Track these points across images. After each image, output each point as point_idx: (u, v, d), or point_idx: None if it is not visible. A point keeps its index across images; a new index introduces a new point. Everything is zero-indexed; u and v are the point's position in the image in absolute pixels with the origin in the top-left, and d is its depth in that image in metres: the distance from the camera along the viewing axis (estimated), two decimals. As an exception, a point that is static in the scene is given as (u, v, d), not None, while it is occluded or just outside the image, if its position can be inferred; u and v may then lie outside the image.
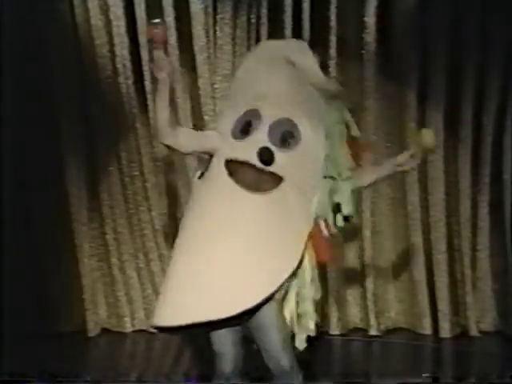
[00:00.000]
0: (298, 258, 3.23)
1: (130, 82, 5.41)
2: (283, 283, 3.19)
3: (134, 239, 5.66)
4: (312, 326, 3.30)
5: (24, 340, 5.05)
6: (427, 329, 5.51)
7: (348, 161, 3.42)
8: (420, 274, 5.50)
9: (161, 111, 3.24)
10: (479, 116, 5.41)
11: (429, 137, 3.34)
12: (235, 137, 3.31)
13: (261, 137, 3.26)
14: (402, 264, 5.63)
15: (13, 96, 5.22)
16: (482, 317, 5.57)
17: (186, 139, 3.34)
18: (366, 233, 5.49)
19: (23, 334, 5.09)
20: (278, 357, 3.19)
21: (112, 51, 5.39)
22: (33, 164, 5.44)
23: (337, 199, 3.37)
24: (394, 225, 5.65)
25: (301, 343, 3.30)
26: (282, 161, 3.24)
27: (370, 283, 5.53)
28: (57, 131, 5.47)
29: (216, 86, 5.47)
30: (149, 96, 5.42)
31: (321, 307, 3.41)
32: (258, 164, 3.22)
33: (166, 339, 5.48)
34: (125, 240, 5.65)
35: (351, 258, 5.60)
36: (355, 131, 3.50)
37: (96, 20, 5.34)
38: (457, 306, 5.55)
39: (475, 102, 5.38)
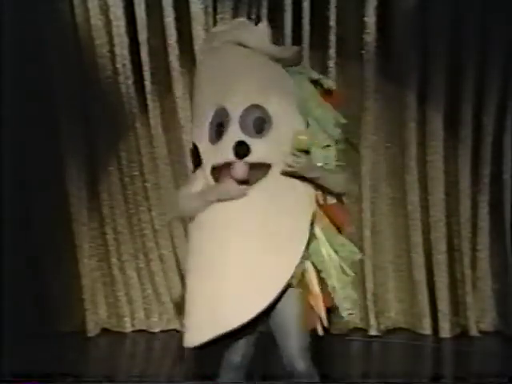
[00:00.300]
0: (306, 237, 3.18)
1: (130, 82, 5.42)
2: (297, 267, 3.16)
3: (133, 239, 5.66)
4: (353, 295, 3.32)
5: (24, 340, 5.05)
6: (427, 329, 5.50)
7: (333, 115, 3.34)
8: (420, 273, 5.50)
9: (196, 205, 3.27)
10: (479, 116, 5.41)
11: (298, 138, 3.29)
12: (213, 142, 3.26)
13: (233, 133, 3.20)
14: (402, 264, 5.63)
15: (13, 96, 5.22)
16: (481, 317, 5.57)
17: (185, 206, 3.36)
18: (366, 233, 5.49)
19: (23, 334, 5.10)
20: (297, 355, 3.18)
21: (112, 51, 5.39)
22: (33, 164, 5.44)
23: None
24: (393, 225, 5.64)
25: (345, 312, 3.29)
26: (261, 148, 3.18)
27: (369, 283, 5.53)
28: (57, 131, 5.47)
29: (216, 86, 5.46)
30: (149, 96, 5.43)
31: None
32: (235, 160, 3.15)
33: (166, 339, 5.49)
34: (125, 240, 5.65)
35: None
36: (329, 83, 3.40)
37: (96, 20, 5.34)
38: (457, 306, 5.55)
39: (475, 102, 5.38)
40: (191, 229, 3.34)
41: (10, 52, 5.17)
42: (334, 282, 3.26)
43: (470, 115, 5.39)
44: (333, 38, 5.31)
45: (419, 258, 5.50)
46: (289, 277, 3.14)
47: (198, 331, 3.12)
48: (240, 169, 3.13)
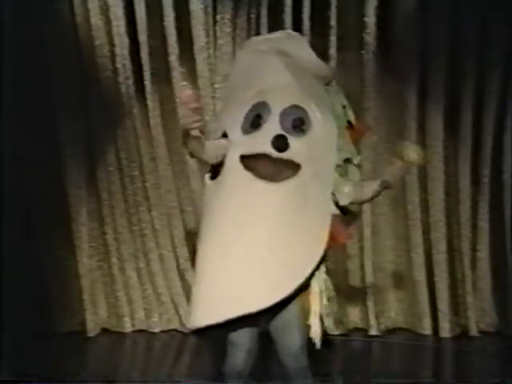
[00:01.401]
0: (323, 245, 3.22)
1: (130, 81, 5.41)
2: (311, 272, 3.19)
3: (133, 239, 5.65)
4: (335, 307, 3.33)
5: (24, 340, 5.05)
6: (427, 329, 5.50)
7: (352, 145, 3.42)
8: (420, 273, 5.50)
9: (196, 146, 3.25)
10: (479, 116, 5.41)
11: (412, 151, 3.31)
12: (246, 132, 3.29)
13: (273, 126, 3.24)
14: (402, 264, 5.63)
15: (13, 96, 5.22)
16: (481, 317, 5.57)
17: (212, 152, 3.32)
18: (366, 233, 5.49)
19: (23, 334, 5.09)
20: (296, 355, 3.22)
21: (112, 51, 5.39)
22: (33, 164, 5.44)
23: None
24: (393, 225, 5.65)
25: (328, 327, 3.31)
26: (297, 147, 3.22)
27: (369, 283, 5.52)
28: (57, 131, 5.47)
29: (216, 85, 5.48)
30: (149, 96, 5.42)
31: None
32: (274, 153, 3.19)
33: (166, 339, 5.49)
34: (125, 240, 5.64)
35: (351, 257, 5.59)
36: (351, 116, 3.49)
37: (96, 20, 5.34)
38: (457, 305, 5.55)
39: (475, 102, 5.39)
40: (209, 212, 3.31)
41: (10, 52, 5.17)
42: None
43: (469, 115, 5.39)
44: (333, 38, 5.31)
45: (419, 258, 5.50)
46: (308, 273, 3.16)
47: (210, 311, 3.11)
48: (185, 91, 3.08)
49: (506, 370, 4.51)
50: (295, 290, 3.14)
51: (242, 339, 3.21)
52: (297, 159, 3.22)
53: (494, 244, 5.55)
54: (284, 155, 3.20)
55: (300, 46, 3.50)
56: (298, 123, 3.27)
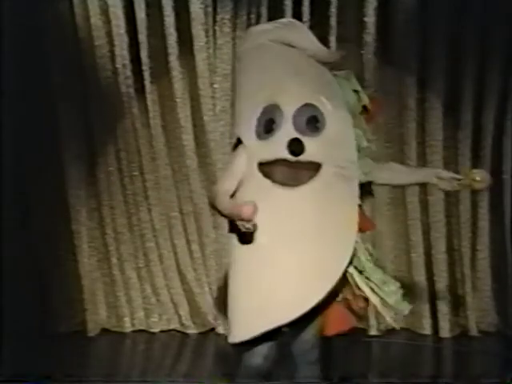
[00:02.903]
0: (353, 242, 3.21)
1: (130, 81, 5.41)
2: (343, 272, 3.19)
3: (133, 239, 5.65)
4: (398, 291, 3.34)
5: (24, 340, 5.05)
6: (427, 329, 5.51)
7: (364, 129, 3.38)
8: (420, 273, 5.50)
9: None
10: (479, 116, 5.41)
11: (479, 177, 3.33)
12: (260, 137, 3.24)
13: (287, 130, 3.19)
14: (402, 264, 5.63)
15: (13, 96, 5.22)
16: (481, 317, 5.57)
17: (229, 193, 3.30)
18: (366, 233, 5.47)
19: (23, 334, 5.09)
20: (309, 350, 3.27)
21: (112, 51, 5.39)
22: (33, 164, 5.44)
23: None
24: (393, 225, 5.65)
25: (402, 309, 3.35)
26: (314, 147, 3.17)
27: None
28: (56, 131, 5.47)
29: (216, 86, 5.47)
30: (149, 96, 5.42)
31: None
32: (290, 157, 3.15)
33: (166, 339, 5.49)
34: (124, 240, 5.64)
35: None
36: (365, 99, 3.42)
37: (96, 20, 5.34)
38: (457, 306, 5.55)
39: (475, 103, 5.39)
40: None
41: (10, 51, 5.17)
42: (375, 280, 3.31)
43: (469, 115, 5.39)
44: (333, 38, 5.31)
45: (419, 258, 5.50)
46: (341, 273, 3.16)
47: (246, 325, 3.12)
48: (249, 209, 3.04)
49: (506, 370, 4.50)
50: (329, 291, 3.13)
51: (264, 349, 3.20)
52: (316, 159, 3.18)
53: (493, 244, 5.55)
54: (302, 158, 3.16)
55: (302, 35, 3.41)
56: (312, 122, 3.22)
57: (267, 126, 3.23)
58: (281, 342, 3.26)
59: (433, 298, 5.52)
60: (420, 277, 5.50)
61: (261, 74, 3.35)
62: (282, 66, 3.33)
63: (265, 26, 3.72)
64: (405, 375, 4.55)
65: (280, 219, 3.13)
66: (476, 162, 5.47)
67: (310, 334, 3.27)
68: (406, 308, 3.36)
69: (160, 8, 5.32)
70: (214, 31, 5.44)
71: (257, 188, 3.20)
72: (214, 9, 5.40)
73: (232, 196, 3.26)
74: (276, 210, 3.13)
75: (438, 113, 5.42)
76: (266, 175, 3.19)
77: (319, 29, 5.28)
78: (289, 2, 5.29)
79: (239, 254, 3.23)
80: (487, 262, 5.57)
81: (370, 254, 3.33)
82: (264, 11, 5.33)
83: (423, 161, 5.45)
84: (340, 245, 3.19)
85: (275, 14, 5.31)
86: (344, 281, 3.24)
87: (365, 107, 3.41)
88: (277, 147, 3.18)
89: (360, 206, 3.29)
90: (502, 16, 5.26)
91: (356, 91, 3.40)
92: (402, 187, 5.44)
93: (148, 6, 5.34)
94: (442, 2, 5.28)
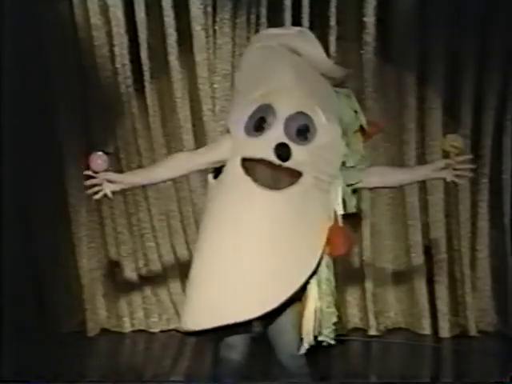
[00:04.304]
0: (319, 254, 3.22)
1: (130, 81, 5.41)
2: (305, 281, 3.19)
3: (133, 239, 5.65)
4: (335, 319, 3.30)
5: (24, 340, 5.04)
6: (427, 329, 5.50)
7: (361, 149, 3.40)
8: (419, 273, 5.50)
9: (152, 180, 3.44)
10: (479, 116, 5.41)
11: (451, 141, 3.34)
12: (249, 134, 3.26)
13: (277, 133, 3.20)
14: (402, 264, 5.63)
15: (13, 96, 5.22)
16: (481, 317, 5.57)
17: (196, 163, 3.39)
18: (366, 233, 5.49)
19: (23, 334, 5.09)
20: (294, 354, 3.24)
21: (111, 51, 5.39)
22: (33, 164, 5.44)
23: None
24: (393, 225, 5.65)
25: (326, 338, 3.29)
26: (300, 155, 3.19)
27: (369, 283, 5.53)
28: (56, 131, 5.47)
29: (215, 85, 5.47)
30: (148, 96, 5.42)
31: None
32: (276, 160, 3.17)
33: (165, 339, 5.49)
34: (124, 240, 5.64)
35: (351, 257, 5.59)
36: (363, 120, 3.44)
37: (96, 20, 5.33)
38: (456, 305, 5.55)
39: (475, 102, 5.39)
40: (208, 216, 3.31)
41: (10, 52, 5.17)
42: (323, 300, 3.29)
43: (469, 115, 5.39)
44: (333, 38, 5.31)
45: (419, 258, 5.50)
46: (301, 283, 3.16)
47: (205, 316, 3.12)
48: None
49: (506, 370, 4.50)
50: (289, 298, 3.13)
51: (237, 342, 3.23)
52: (298, 168, 3.20)
53: (493, 244, 5.55)
54: (285, 164, 3.18)
55: (311, 45, 3.43)
56: (303, 131, 3.23)
57: (258, 124, 3.24)
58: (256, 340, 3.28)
59: (432, 298, 5.52)
60: (419, 277, 5.50)
61: (261, 73, 3.36)
62: (284, 69, 3.33)
63: (275, 30, 3.70)
64: (404, 375, 4.56)
65: (252, 218, 3.15)
66: (475, 162, 5.46)
67: (293, 336, 3.25)
68: (329, 338, 3.31)
69: (159, 8, 5.32)
70: (214, 31, 5.43)
71: (236, 182, 3.23)
72: (214, 9, 5.40)
73: (215, 177, 3.34)
74: (250, 208, 3.15)
75: (438, 113, 5.42)
76: (247, 172, 3.21)
77: (319, 29, 5.30)
78: (288, 2, 5.28)
79: (206, 243, 3.24)
80: (487, 261, 5.57)
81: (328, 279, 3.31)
82: (264, 11, 5.32)
83: (423, 161, 5.45)
84: (305, 254, 3.20)
85: (275, 14, 5.32)
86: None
87: (362, 128, 3.44)
88: (264, 147, 3.19)
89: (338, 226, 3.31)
90: (502, 16, 5.26)
91: (355, 111, 3.42)
92: (402, 187, 5.47)
93: (148, 6, 5.33)
94: (441, 1, 5.28)
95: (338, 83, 3.47)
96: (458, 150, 3.41)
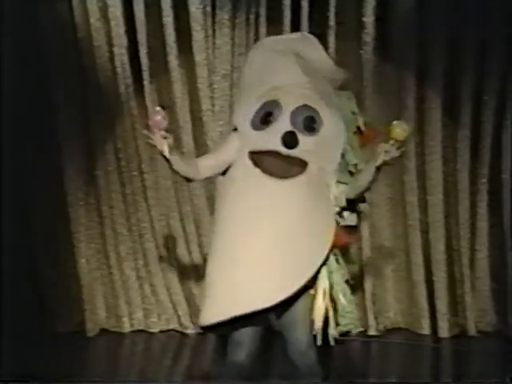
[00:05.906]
0: (330, 242, 3.24)
1: (129, 81, 5.41)
2: (317, 270, 3.21)
3: (132, 239, 5.65)
4: (350, 308, 3.35)
5: (24, 340, 5.04)
6: (426, 329, 5.50)
7: (360, 152, 3.44)
8: (419, 274, 5.50)
9: (178, 167, 3.41)
10: (478, 116, 5.42)
11: (398, 128, 3.30)
12: (256, 128, 3.31)
13: (283, 124, 3.25)
14: (401, 264, 5.63)
15: (12, 96, 5.21)
16: (480, 317, 5.57)
17: (206, 170, 3.40)
18: (365, 233, 5.49)
19: (23, 334, 5.09)
20: (304, 351, 3.23)
21: (111, 51, 5.39)
22: (32, 164, 5.44)
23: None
24: (392, 225, 5.65)
25: (346, 327, 3.33)
26: (307, 144, 3.24)
27: (368, 283, 5.53)
28: (55, 131, 5.47)
29: (215, 86, 5.48)
30: (147, 96, 5.42)
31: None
32: (283, 150, 3.21)
33: (165, 339, 5.49)
34: (123, 240, 5.64)
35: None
36: (360, 122, 3.51)
37: (95, 20, 5.33)
38: (455, 305, 5.55)
39: (474, 102, 5.39)
40: (220, 211, 3.34)
41: (10, 52, 5.16)
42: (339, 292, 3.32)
43: (468, 115, 5.40)
44: (332, 38, 5.31)
45: (418, 258, 5.50)
46: (313, 272, 3.19)
47: (218, 309, 3.15)
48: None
49: (505, 370, 4.51)
50: (300, 288, 3.15)
51: (246, 339, 3.23)
52: (305, 157, 3.24)
53: (492, 244, 5.55)
54: (293, 152, 3.22)
55: (314, 49, 3.53)
56: (309, 122, 3.28)
57: (264, 118, 3.30)
58: (269, 341, 3.29)
59: (431, 298, 5.52)
60: (419, 277, 5.50)
61: (267, 71, 3.42)
62: (289, 67, 3.40)
63: (277, 37, 3.82)
64: (403, 375, 4.56)
65: (264, 206, 3.18)
66: (475, 162, 5.48)
67: (303, 332, 3.25)
68: (353, 327, 3.36)
69: (159, 8, 5.32)
70: (213, 31, 5.44)
71: (245, 174, 3.27)
72: (213, 9, 5.40)
73: (223, 174, 3.37)
74: (262, 197, 3.19)
75: (437, 112, 5.42)
76: (256, 164, 3.25)
77: (318, 28, 5.30)
78: (288, 1, 5.29)
79: (219, 238, 3.28)
80: (486, 261, 5.57)
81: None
82: (263, 11, 5.33)
83: (422, 160, 5.46)
84: (316, 244, 3.22)
85: (274, 14, 5.32)
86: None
87: (359, 129, 3.48)
88: (271, 138, 3.25)
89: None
90: (502, 16, 5.26)
91: (353, 113, 3.48)
92: (402, 187, 5.47)
93: (147, 6, 5.34)
94: (441, 1, 5.29)
95: (339, 86, 3.52)
96: (405, 135, 3.33)
